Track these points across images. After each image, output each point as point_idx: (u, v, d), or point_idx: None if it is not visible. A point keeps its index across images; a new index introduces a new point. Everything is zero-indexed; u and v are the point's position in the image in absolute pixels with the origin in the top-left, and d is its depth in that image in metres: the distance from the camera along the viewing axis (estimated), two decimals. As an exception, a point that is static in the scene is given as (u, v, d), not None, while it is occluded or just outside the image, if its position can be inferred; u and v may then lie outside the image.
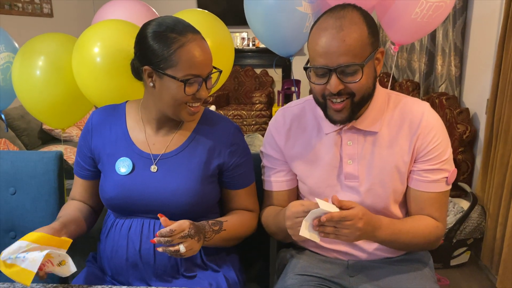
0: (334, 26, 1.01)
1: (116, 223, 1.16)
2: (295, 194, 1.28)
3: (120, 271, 1.14)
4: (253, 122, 5.53)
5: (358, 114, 1.13)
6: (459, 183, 2.67)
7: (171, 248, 0.98)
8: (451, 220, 2.44)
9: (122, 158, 1.14)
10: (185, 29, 1.04)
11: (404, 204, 1.21)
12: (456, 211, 2.48)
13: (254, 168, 1.28)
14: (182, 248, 0.98)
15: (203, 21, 1.53)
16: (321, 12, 1.45)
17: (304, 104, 1.23)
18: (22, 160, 1.35)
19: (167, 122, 1.15)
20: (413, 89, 3.65)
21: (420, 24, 1.51)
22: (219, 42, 1.55)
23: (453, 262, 2.50)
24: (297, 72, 5.74)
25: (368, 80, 1.06)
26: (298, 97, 5.62)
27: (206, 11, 1.66)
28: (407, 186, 1.16)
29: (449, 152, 1.14)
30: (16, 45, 1.76)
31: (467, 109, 2.75)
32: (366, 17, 1.05)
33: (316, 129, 1.19)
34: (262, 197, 1.30)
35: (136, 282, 1.12)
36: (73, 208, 1.21)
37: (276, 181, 1.25)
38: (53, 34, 1.66)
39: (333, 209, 0.97)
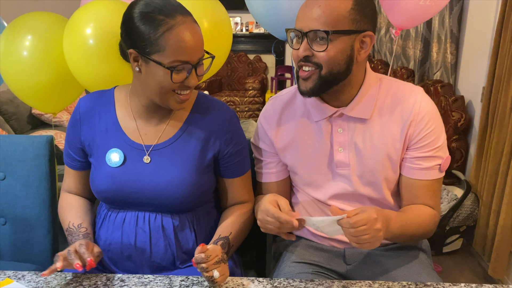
0: None
1: (109, 215, 1.12)
2: (287, 184, 1.25)
3: (115, 263, 1.11)
4: (246, 109, 5.49)
5: (347, 99, 1.10)
6: (453, 171, 2.68)
7: (206, 274, 0.94)
8: (444, 207, 2.45)
9: (112, 149, 1.09)
10: (174, 10, 0.97)
11: (397, 193, 1.19)
12: (449, 198, 2.49)
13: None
14: (216, 273, 0.94)
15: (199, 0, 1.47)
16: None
17: (294, 91, 1.21)
18: (11, 144, 1.31)
19: (158, 110, 1.10)
20: (407, 77, 3.64)
21: (423, 8, 1.48)
22: (216, 23, 1.49)
23: (446, 249, 2.52)
24: (290, 59, 5.71)
25: (338, 55, 1.02)
26: (292, 83, 5.61)
27: None
28: (400, 174, 1.14)
29: (442, 139, 1.11)
30: (5, 24, 1.69)
31: (462, 96, 2.75)
32: None
33: (306, 117, 1.16)
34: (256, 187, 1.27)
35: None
36: (85, 209, 1.17)
37: (266, 173, 1.22)
38: (41, 13, 1.59)
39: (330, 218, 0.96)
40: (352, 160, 1.13)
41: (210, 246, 0.97)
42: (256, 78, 5.62)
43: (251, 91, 5.52)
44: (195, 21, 1.01)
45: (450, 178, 2.72)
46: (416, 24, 1.67)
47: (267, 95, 5.66)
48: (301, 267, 1.16)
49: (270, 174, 1.22)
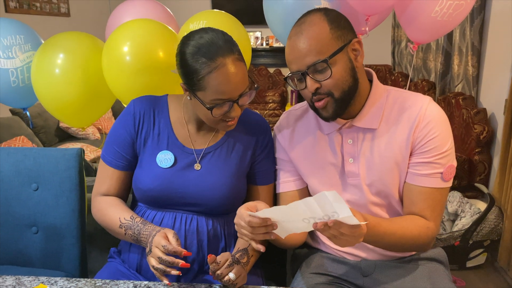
0: (295, 33, 1.07)
1: (147, 215, 1.18)
2: (306, 194, 1.27)
3: (146, 265, 1.15)
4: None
5: (354, 110, 1.13)
6: (476, 184, 2.65)
7: (223, 280, 1.00)
8: (467, 221, 2.42)
9: (164, 151, 1.17)
10: (216, 52, 1.03)
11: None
12: (472, 212, 2.45)
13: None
14: (232, 275, 1.00)
15: (220, 22, 1.55)
16: (340, 11, 1.47)
17: (307, 106, 1.25)
18: (44, 157, 1.38)
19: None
20: (428, 89, 3.62)
21: (440, 23, 1.49)
22: (239, 40, 1.57)
23: (469, 264, 2.48)
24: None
25: (343, 73, 1.06)
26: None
27: (224, 11, 1.67)
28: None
29: (448, 146, 1.10)
30: (42, 41, 1.78)
31: (485, 109, 2.72)
32: (329, 15, 1.08)
33: (317, 130, 1.20)
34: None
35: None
36: (126, 206, 1.21)
37: (284, 182, 1.25)
38: (72, 33, 1.68)
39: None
40: (362, 170, 1.15)
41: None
42: (276, 91, 5.67)
43: (271, 104, 5.57)
44: (239, 58, 1.06)
45: (473, 191, 2.69)
46: (434, 39, 1.68)
47: (287, 108, 5.68)
48: (319, 277, 1.18)
49: (289, 182, 1.25)
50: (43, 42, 1.75)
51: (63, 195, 1.36)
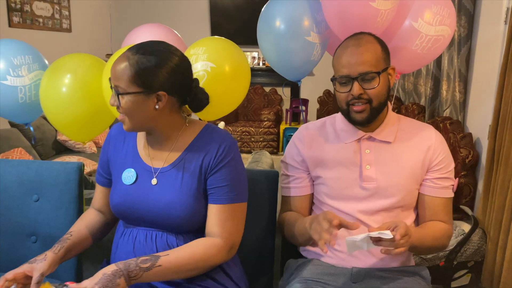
0: (354, 44, 1.27)
1: (125, 232, 1.24)
2: (310, 201, 1.42)
3: None
4: (261, 139, 5.61)
5: (374, 126, 1.31)
6: (461, 206, 2.72)
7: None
8: (452, 242, 2.48)
9: (128, 169, 1.24)
10: (131, 47, 1.15)
11: (410, 212, 1.34)
12: (457, 233, 2.52)
13: (266, 183, 1.42)
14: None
15: (222, 48, 1.65)
16: (329, 41, 1.60)
17: (324, 121, 1.43)
18: (46, 169, 1.45)
19: (154, 135, 1.22)
20: (418, 112, 3.72)
21: (420, 55, 1.62)
22: (237, 66, 1.67)
23: (454, 284, 2.53)
24: (305, 91, 5.85)
25: (383, 88, 1.27)
26: (305, 115, 5.73)
27: (225, 38, 1.76)
28: (422, 194, 1.34)
29: (452, 165, 1.34)
30: (46, 62, 1.87)
31: (470, 133, 2.81)
32: (379, 39, 1.31)
33: (336, 140, 1.36)
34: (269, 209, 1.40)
35: None
36: (85, 225, 1.28)
37: (294, 187, 1.39)
38: (78, 55, 1.78)
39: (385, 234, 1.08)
40: (378, 176, 1.30)
41: None
42: (271, 110, 5.77)
43: (266, 122, 5.66)
44: (130, 59, 1.11)
45: (458, 213, 2.76)
46: (414, 69, 1.81)
47: (282, 127, 5.78)
48: (309, 284, 1.26)
49: (299, 188, 1.39)
50: (46, 62, 1.85)
51: (63, 207, 1.43)
